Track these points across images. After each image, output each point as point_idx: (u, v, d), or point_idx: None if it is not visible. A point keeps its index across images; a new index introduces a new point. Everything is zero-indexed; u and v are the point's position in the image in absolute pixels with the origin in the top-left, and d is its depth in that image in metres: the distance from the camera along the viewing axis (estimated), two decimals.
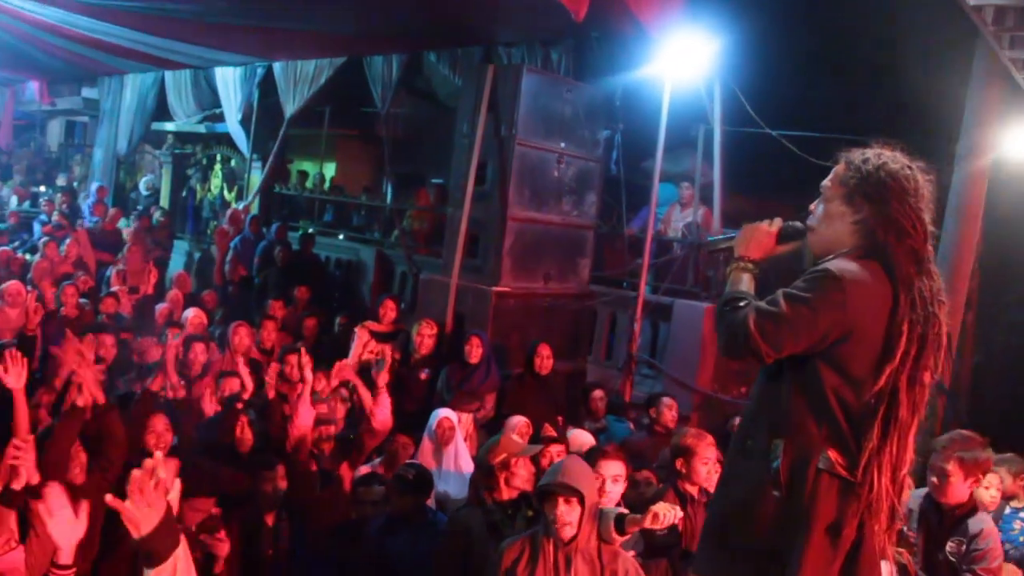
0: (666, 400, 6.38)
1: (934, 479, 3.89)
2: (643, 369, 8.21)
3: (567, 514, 3.27)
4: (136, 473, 2.02)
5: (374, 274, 11.04)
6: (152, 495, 2.03)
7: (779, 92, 8.02)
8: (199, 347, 6.54)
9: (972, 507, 3.96)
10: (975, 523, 3.91)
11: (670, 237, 9.39)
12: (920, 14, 6.98)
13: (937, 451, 3.84)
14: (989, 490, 5.04)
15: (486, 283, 7.45)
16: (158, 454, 2.10)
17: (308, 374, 5.17)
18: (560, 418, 6.58)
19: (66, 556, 2.90)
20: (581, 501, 3.29)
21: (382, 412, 5.34)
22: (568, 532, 3.28)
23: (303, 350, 5.68)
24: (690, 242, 8.83)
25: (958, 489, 3.87)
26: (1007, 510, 5.28)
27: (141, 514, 2.03)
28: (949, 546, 3.91)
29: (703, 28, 6.96)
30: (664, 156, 7.81)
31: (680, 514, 3.35)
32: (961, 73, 6.87)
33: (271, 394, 5.68)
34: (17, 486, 3.37)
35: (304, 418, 5.01)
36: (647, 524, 3.30)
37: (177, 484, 2.13)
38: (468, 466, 5.31)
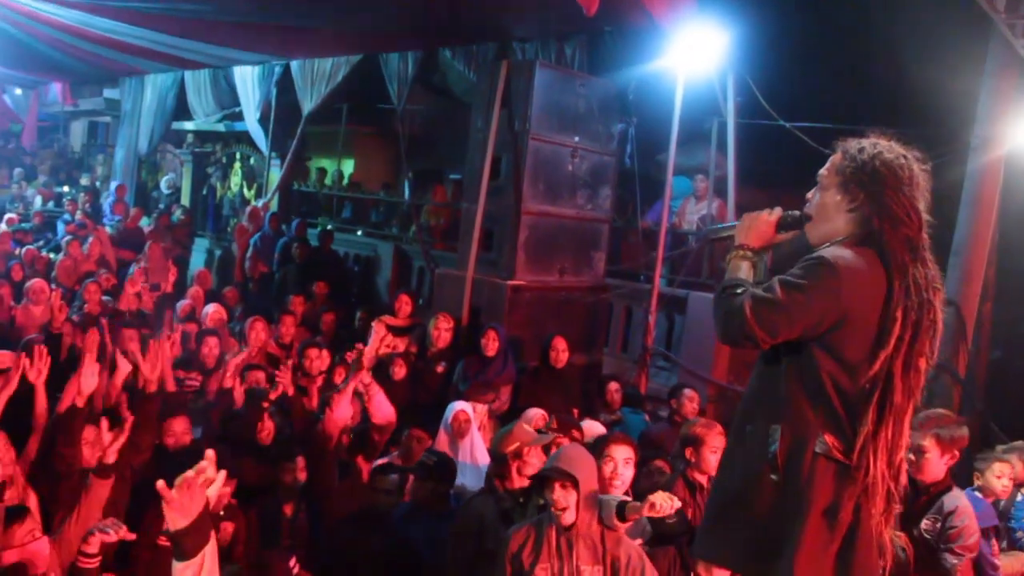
0: (687, 392, 6.43)
1: (911, 456, 3.90)
2: (658, 361, 8.24)
3: (563, 499, 3.34)
4: (189, 474, 2.06)
5: (392, 269, 11.14)
6: (197, 494, 2.07)
7: (792, 84, 8.01)
8: (212, 341, 6.65)
9: (948, 485, 3.97)
10: (950, 500, 3.93)
11: (685, 230, 9.41)
12: (933, 3, 6.96)
13: (914, 428, 3.86)
14: (1001, 479, 5.05)
15: (501, 277, 7.50)
16: (209, 452, 2.15)
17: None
18: (576, 410, 6.62)
19: (94, 545, 3.00)
20: (576, 486, 3.35)
21: (378, 408, 5.43)
22: (567, 517, 3.35)
23: (359, 349, 5.71)
24: (705, 235, 8.85)
25: (934, 466, 3.89)
26: (1019, 497, 5.29)
27: (182, 510, 2.07)
28: (924, 523, 3.92)
29: (715, 21, 6.98)
30: (678, 149, 7.84)
31: (678, 504, 3.39)
32: (976, 62, 6.83)
33: (290, 390, 5.77)
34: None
35: (343, 411, 5.10)
36: (645, 512, 3.36)
37: (221, 475, 2.17)
38: (484, 458, 5.35)
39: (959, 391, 6.98)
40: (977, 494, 5.05)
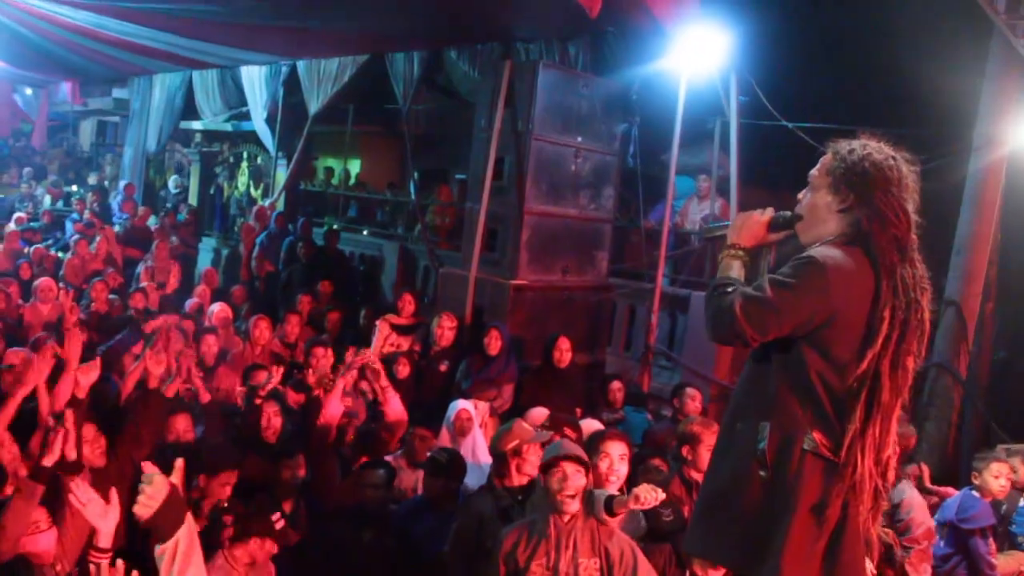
0: (689, 391, 6.47)
1: None
2: (661, 360, 8.27)
3: (576, 482, 3.38)
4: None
5: (397, 269, 11.18)
6: (158, 487, 2.26)
7: (794, 84, 8.03)
8: (210, 339, 6.70)
9: (895, 479, 4.02)
10: (896, 493, 3.97)
11: (687, 230, 9.43)
12: (936, 3, 6.97)
13: None
14: (999, 479, 5.07)
15: (504, 276, 7.53)
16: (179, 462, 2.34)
17: (354, 362, 5.31)
18: (579, 410, 6.65)
19: (105, 540, 3.03)
20: (588, 471, 3.42)
21: (392, 408, 5.51)
22: (574, 505, 3.39)
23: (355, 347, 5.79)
24: (700, 234, 8.88)
25: None
26: (1022, 502, 5.30)
27: (143, 506, 2.27)
28: None
29: (717, 21, 7.00)
30: (681, 149, 7.87)
31: (662, 495, 3.43)
32: (977, 63, 6.85)
33: (317, 390, 5.81)
34: (49, 462, 3.50)
35: (333, 409, 5.15)
36: (631, 506, 3.40)
37: (179, 464, 2.34)
38: (486, 457, 5.37)
39: (960, 392, 6.99)
40: (975, 494, 5.08)
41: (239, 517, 3.82)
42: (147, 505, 2.24)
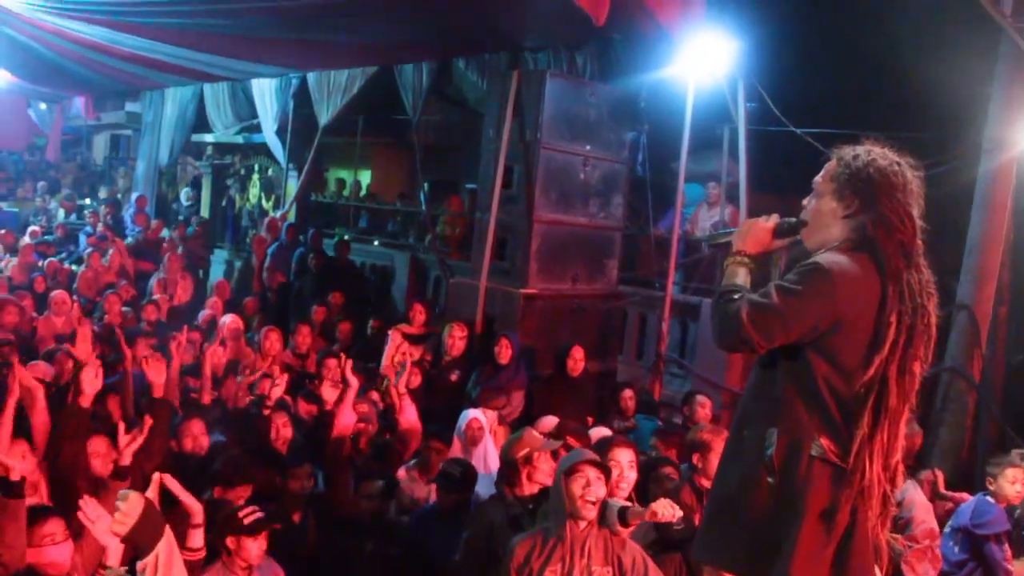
0: (699, 398, 6.46)
1: None
2: (672, 368, 8.26)
3: (598, 488, 3.37)
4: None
5: (408, 279, 11.21)
6: (133, 503, 2.32)
7: (802, 89, 8.01)
8: (219, 350, 6.74)
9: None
10: (898, 492, 3.94)
11: (697, 237, 9.41)
12: (942, 7, 6.95)
13: None
14: (1015, 484, 5.04)
15: (514, 285, 7.54)
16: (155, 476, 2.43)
17: (351, 377, 5.34)
18: (590, 419, 6.64)
19: (113, 558, 3.05)
20: (608, 478, 3.42)
21: (406, 417, 5.52)
22: (593, 512, 3.37)
23: (342, 355, 5.84)
24: (705, 240, 8.87)
25: None
26: None
27: (119, 523, 2.32)
28: None
29: (723, 27, 7.00)
30: (690, 156, 7.86)
31: (679, 512, 3.42)
32: (986, 65, 6.82)
33: (330, 403, 5.84)
34: (15, 476, 3.50)
35: (345, 419, 5.17)
36: (647, 519, 3.40)
37: (155, 478, 2.39)
38: (497, 466, 5.40)
39: (974, 396, 6.93)
40: (989, 499, 5.04)
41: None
42: (122, 522, 2.28)
